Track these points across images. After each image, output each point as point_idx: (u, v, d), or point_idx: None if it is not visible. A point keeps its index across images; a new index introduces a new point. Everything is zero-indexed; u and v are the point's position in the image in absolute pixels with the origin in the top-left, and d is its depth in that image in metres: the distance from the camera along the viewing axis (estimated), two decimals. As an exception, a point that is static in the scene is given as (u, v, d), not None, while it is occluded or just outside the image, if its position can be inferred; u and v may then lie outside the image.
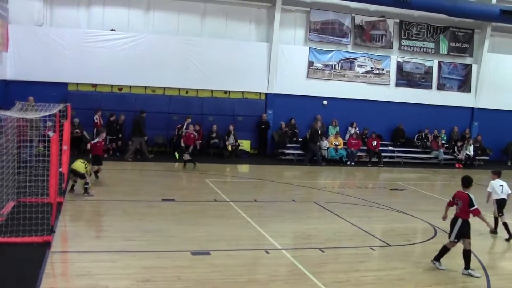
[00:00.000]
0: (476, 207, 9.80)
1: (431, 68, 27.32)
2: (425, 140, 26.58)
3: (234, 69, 23.68)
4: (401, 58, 26.64)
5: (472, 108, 28.37)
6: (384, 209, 15.26)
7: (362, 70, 25.87)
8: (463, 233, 9.78)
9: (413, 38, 26.77)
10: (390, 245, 11.50)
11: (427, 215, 14.58)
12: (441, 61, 27.46)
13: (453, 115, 27.80)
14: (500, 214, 12.83)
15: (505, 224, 12.69)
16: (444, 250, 9.95)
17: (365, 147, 24.80)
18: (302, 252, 10.52)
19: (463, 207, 9.80)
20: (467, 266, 9.71)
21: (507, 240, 12.50)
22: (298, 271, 9.34)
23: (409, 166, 25.18)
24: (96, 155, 15.51)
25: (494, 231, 12.74)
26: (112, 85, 22.62)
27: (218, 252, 10.01)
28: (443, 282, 9.41)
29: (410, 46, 26.79)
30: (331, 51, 25.32)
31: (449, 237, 9.92)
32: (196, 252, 9.85)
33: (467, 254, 9.73)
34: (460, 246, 9.89)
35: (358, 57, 25.81)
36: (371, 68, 26.08)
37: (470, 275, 9.57)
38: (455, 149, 26.62)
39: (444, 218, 10.52)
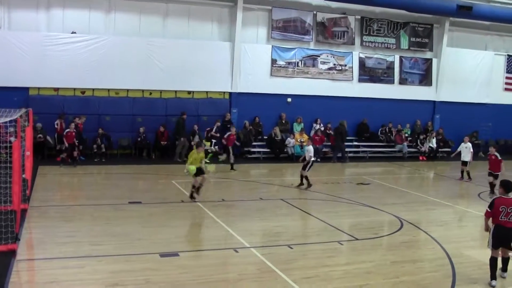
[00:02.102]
0: None
1: (392, 63, 27.70)
2: (389, 134, 26.97)
3: (197, 69, 23.57)
4: (363, 54, 26.95)
5: (434, 102, 28.92)
6: (350, 203, 15.44)
7: (325, 66, 26.07)
8: None
9: (375, 34, 27.11)
10: (357, 239, 11.64)
11: (393, 208, 14.83)
12: (402, 56, 27.87)
13: (416, 109, 28.28)
14: None
15: None
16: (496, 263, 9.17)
17: (330, 143, 25.05)
18: (271, 249, 10.58)
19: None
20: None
21: None
22: (268, 269, 9.38)
23: (374, 160, 25.55)
24: None
25: None
26: (74, 89, 22.26)
27: (187, 253, 10.00)
28: (410, 273, 9.56)
29: (372, 42, 27.13)
30: (294, 48, 25.45)
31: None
32: (165, 254, 9.79)
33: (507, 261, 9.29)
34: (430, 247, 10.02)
35: (320, 54, 26.00)
36: (334, 64, 26.30)
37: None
38: (418, 142, 27.11)
39: (487, 229, 9.37)
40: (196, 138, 22.71)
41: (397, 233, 12.33)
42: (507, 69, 30.92)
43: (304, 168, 17.22)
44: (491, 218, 9.09)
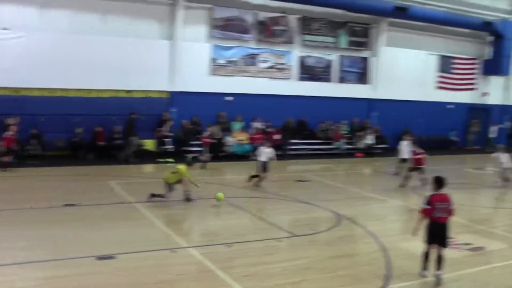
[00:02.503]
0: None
1: (331, 62, 28.14)
2: (327, 132, 27.37)
3: (136, 67, 23.15)
4: (303, 53, 27.23)
5: (371, 99, 29.57)
6: (289, 200, 15.62)
7: (265, 65, 26.21)
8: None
9: (314, 33, 27.43)
10: (296, 236, 11.78)
11: (330, 204, 15.09)
12: (341, 55, 28.35)
13: (353, 107, 28.82)
14: None
15: None
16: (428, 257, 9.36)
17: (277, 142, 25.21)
18: (210, 248, 10.56)
19: (449, 209, 9.21)
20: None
21: None
22: (207, 268, 9.37)
23: (313, 157, 25.80)
24: None
25: None
26: (6, 88, 21.45)
27: (124, 255, 9.81)
28: (347, 267, 9.78)
29: (312, 41, 27.43)
30: (234, 47, 25.44)
31: (445, 244, 9.21)
32: (101, 257, 9.60)
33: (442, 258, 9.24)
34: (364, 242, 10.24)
35: (260, 52, 26.10)
36: (274, 63, 26.47)
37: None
38: (356, 139, 27.68)
39: (416, 231, 9.47)
40: (135, 139, 22.45)
41: (335, 229, 12.57)
42: (439, 68, 32.04)
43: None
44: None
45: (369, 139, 27.21)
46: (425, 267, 9.32)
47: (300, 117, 26.93)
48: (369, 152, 27.19)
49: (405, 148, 20.36)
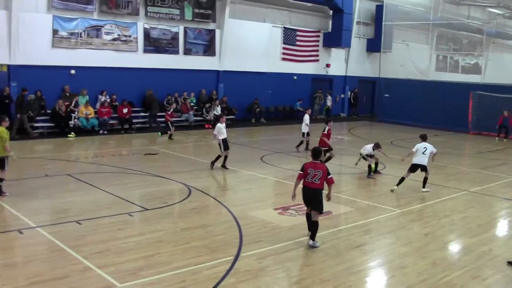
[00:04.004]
0: (331, 175, 9.97)
1: (177, 34, 28.05)
2: (175, 104, 27.42)
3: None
4: (148, 25, 26.79)
5: (218, 71, 30.06)
6: (139, 174, 15.58)
7: (110, 37, 25.41)
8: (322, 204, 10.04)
9: (159, 4, 27.07)
10: (147, 209, 11.85)
11: (181, 176, 15.32)
12: (186, 27, 28.36)
13: (201, 79, 29.14)
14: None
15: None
16: (317, 225, 9.96)
17: (116, 115, 24.77)
18: (59, 227, 10.29)
19: (322, 177, 9.82)
20: (315, 236, 9.96)
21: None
22: (56, 248, 9.16)
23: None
24: None
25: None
26: None
27: (-36, 240, 9.28)
28: (200, 238, 10.05)
29: (156, 13, 27.06)
30: (76, 18, 24.21)
31: (318, 209, 9.93)
32: None
33: (318, 225, 9.96)
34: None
35: (104, 24, 25.22)
36: (119, 35, 25.76)
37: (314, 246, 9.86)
38: (204, 111, 28.07)
39: (294, 196, 10.27)
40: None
41: (186, 200, 12.82)
42: (283, 40, 33.37)
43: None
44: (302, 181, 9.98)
45: (217, 110, 27.71)
46: (308, 227, 10.16)
47: (147, 89, 26.60)
48: (216, 123, 27.61)
49: (305, 122, 20.84)
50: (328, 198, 10.11)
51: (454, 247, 10.70)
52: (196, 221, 11.18)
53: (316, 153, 10.19)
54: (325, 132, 17.54)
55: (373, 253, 9.86)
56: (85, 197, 12.74)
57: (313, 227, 9.93)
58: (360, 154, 16.78)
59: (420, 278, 8.59)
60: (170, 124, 23.11)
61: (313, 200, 9.93)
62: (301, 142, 21.01)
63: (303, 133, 20.98)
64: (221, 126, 16.83)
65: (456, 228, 11.78)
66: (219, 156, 16.89)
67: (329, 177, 9.86)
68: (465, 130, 30.27)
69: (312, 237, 9.91)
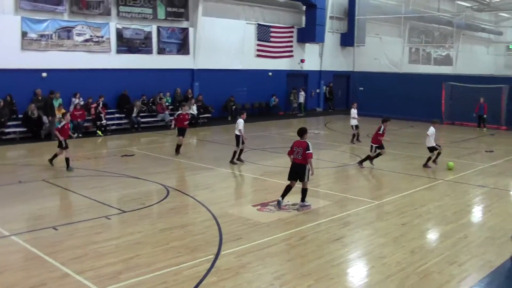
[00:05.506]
0: (311, 151, 11.53)
1: (150, 33, 27.82)
2: (150, 104, 27.26)
3: None
4: (120, 25, 26.50)
5: (192, 70, 29.92)
6: (116, 176, 15.42)
7: (81, 38, 25.08)
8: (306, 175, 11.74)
9: (131, 4, 26.80)
10: (125, 212, 11.73)
11: (158, 176, 15.22)
12: (159, 26, 28.15)
13: (175, 78, 28.97)
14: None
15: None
16: (289, 189, 11.88)
17: (91, 117, 24.50)
18: (34, 234, 10.12)
19: (304, 153, 11.47)
20: (304, 199, 11.95)
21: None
22: (33, 255, 8.98)
23: (138, 131, 25.53)
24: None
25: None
26: None
27: None
28: (179, 238, 9.99)
29: (129, 13, 26.78)
30: (46, 20, 23.79)
31: (302, 179, 11.74)
32: None
33: (306, 191, 11.93)
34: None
35: (75, 25, 24.85)
36: (91, 36, 25.43)
37: (305, 205, 11.91)
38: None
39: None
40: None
41: (164, 201, 12.73)
42: (257, 37, 33.35)
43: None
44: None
45: (193, 109, 27.56)
46: (283, 196, 11.87)
47: (121, 90, 26.35)
48: (193, 122, 27.55)
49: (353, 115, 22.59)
50: (311, 173, 11.70)
51: (431, 235, 10.87)
52: (175, 221, 11.11)
53: (300, 132, 11.86)
54: (380, 132, 17.43)
55: (352, 245, 9.94)
56: (61, 202, 12.60)
57: (303, 193, 11.88)
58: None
59: (398, 267, 8.68)
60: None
61: (296, 173, 11.71)
62: (353, 136, 22.85)
63: (352, 126, 22.73)
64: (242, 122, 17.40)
65: (433, 217, 11.94)
66: (238, 151, 17.51)
67: (307, 152, 11.43)
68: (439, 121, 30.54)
69: (302, 199, 11.92)
